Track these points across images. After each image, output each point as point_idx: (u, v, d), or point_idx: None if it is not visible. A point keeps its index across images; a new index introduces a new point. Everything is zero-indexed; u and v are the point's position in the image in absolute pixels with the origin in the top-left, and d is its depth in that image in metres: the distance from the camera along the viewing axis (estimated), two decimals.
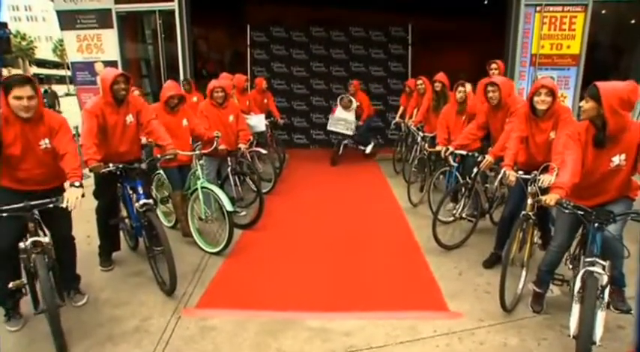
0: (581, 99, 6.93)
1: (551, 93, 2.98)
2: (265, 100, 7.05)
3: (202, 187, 3.84)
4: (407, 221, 4.76)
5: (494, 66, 5.02)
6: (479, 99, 3.87)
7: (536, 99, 3.01)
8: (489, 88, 3.68)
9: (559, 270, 2.85)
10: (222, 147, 4.16)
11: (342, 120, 7.06)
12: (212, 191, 3.77)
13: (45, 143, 2.68)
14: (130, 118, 3.33)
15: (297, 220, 4.79)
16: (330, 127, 7.20)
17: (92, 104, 3.20)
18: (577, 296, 2.34)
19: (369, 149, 7.49)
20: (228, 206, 3.65)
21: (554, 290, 3.08)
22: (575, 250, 2.80)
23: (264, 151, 5.74)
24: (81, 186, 2.58)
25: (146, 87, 5.79)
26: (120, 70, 3.33)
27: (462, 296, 3.14)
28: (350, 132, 7.13)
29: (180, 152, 3.50)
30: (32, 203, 2.46)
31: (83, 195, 2.54)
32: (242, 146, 4.54)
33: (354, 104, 7.09)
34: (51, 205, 2.48)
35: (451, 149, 3.97)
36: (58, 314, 2.46)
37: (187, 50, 7.32)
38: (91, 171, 3.01)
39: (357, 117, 7.40)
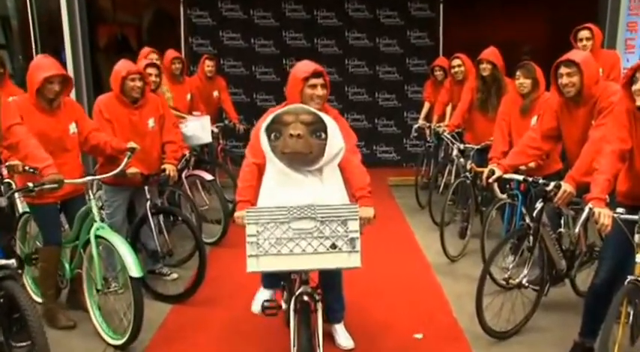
0: None
1: None
2: (216, 93, 7.06)
3: (97, 236, 3.74)
4: (440, 287, 4.74)
5: (585, 34, 5.05)
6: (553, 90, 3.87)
7: (633, 88, 2.97)
8: (563, 70, 3.64)
9: None
10: (133, 170, 4.11)
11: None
12: (110, 243, 3.69)
13: None
14: None
15: None
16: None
17: None
18: None
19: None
20: (133, 268, 3.53)
21: None
22: None
23: (208, 176, 5.72)
24: None
25: (5, 65, 5.55)
26: None
27: None
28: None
29: (67, 180, 3.41)
30: None
31: None
32: (168, 167, 4.49)
33: None
34: None
35: (498, 172, 3.92)
36: None
37: (77, 5, 7.23)
38: None
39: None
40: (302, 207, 2.82)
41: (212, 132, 6.19)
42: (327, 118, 2.96)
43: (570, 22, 5.11)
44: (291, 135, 2.87)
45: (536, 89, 4.48)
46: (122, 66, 4.34)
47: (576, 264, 4.20)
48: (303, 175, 2.98)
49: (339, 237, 2.86)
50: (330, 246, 2.85)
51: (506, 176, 3.93)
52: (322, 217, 2.83)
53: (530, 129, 4.09)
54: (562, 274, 4.14)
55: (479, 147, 5.35)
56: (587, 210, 2.95)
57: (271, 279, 3.60)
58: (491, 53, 5.32)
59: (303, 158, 2.93)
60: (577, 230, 3.32)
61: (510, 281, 3.90)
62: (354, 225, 2.85)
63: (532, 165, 4.23)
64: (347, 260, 2.86)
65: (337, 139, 2.99)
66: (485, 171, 4.01)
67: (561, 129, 3.89)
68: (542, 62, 4.59)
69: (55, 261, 4.00)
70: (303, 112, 2.93)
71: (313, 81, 3.30)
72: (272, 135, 2.94)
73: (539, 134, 3.92)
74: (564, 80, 3.64)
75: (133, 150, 4.08)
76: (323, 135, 2.92)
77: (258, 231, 2.82)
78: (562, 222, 4.18)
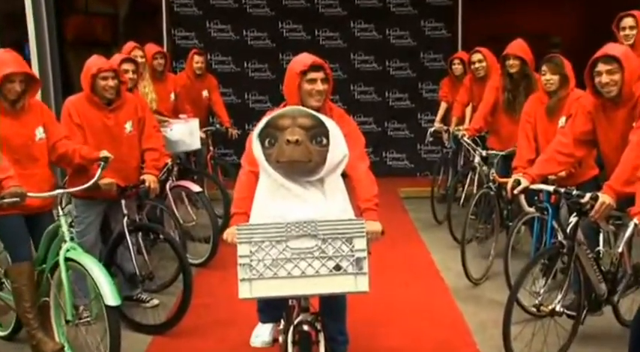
0: None
1: None
2: (205, 93, 7.11)
3: (67, 258, 3.72)
4: (461, 314, 4.72)
5: (629, 22, 5.04)
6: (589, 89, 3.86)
7: None
8: (601, 67, 3.62)
9: None
10: (107, 181, 4.11)
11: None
12: (82, 266, 3.67)
13: None
14: None
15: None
16: None
17: None
18: None
19: None
20: (110, 296, 3.52)
21: None
22: None
23: (195, 188, 5.73)
24: None
25: None
26: None
27: None
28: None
29: (31, 194, 3.41)
30: None
31: None
32: (148, 178, 4.50)
33: None
34: None
35: (524, 182, 3.89)
36: None
37: None
38: None
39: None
40: (301, 224, 2.76)
41: (200, 137, 6.22)
42: (328, 122, 2.90)
43: (609, 10, 5.07)
44: (288, 141, 2.80)
45: (564, 86, 4.45)
46: (92, 62, 4.34)
47: (619, 288, 4.14)
48: (302, 187, 2.91)
49: (343, 257, 2.78)
50: (334, 268, 2.78)
51: (534, 187, 3.90)
52: (324, 234, 2.76)
53: (559, 133, 4.08)
54: (602, 300, 4.08)
55: (504, 153, 5.32)
56: (632, 225, 2.95)
57: (269, 313, 3.50)
58: (519, 47, 5.28)
59: (302, 167, 2.86)
60: (620, 249, 3.30)
61: (542, 308, 3.84)
62: (361, 244, 2.78)
63: (563, 173, 4.20)
64: (353, 283, 2.78)
65: (340, 145, 2.93)
66: (510, 181, 3.98)
67: (597, 134, 3.87)
68: (574, 56, 4.57)
69: (28, 278, 3.93)
70: (302, 115, 2.87)
71: (312, 75, 3.23)
72: (266, 142, 2.87)
73: (570, 139, 3.88)
74: (604, 78, 3.60)
75: (106, 159, 4.06)
76: (324, 141, 2.85)
77: (251, 251, 2.77)
78: (601, 239, 4.14)
